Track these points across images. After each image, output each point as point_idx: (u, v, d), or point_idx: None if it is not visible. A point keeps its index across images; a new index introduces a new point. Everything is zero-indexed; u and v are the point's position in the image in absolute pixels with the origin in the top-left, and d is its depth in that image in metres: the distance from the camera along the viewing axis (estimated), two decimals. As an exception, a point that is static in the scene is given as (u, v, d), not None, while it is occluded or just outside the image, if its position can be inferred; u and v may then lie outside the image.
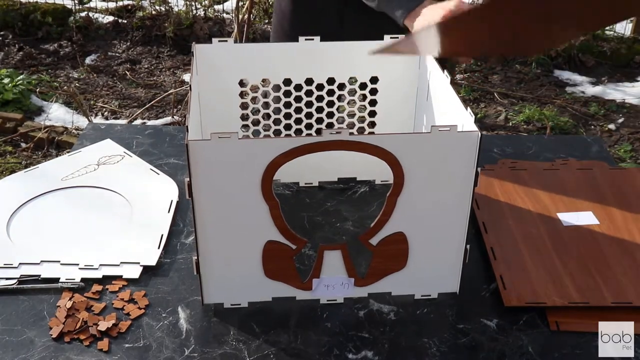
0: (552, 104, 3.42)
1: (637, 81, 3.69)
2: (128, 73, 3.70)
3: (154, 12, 4.14)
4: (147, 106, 3.29)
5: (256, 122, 1.35)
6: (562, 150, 1.53)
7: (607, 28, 3.93)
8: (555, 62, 3.79)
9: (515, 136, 1.94)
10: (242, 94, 1.32)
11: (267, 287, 1.10)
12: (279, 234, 1.05)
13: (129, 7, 4.28)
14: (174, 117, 3.21)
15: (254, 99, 1.32)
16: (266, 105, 1.34)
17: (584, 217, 1.29)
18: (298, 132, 1.36)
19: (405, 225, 1.06)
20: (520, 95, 3.48)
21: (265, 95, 1.33)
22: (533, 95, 3.50)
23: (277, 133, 1.36)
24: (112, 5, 4.30)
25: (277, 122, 1.35)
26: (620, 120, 3.31)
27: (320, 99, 1.33)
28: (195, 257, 1.05)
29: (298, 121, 1.35)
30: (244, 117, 1.34)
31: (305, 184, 1.39)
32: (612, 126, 3.26)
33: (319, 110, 1.35)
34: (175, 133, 1.58)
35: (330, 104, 1.35)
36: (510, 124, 3.24)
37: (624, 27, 3.99)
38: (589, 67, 3.78)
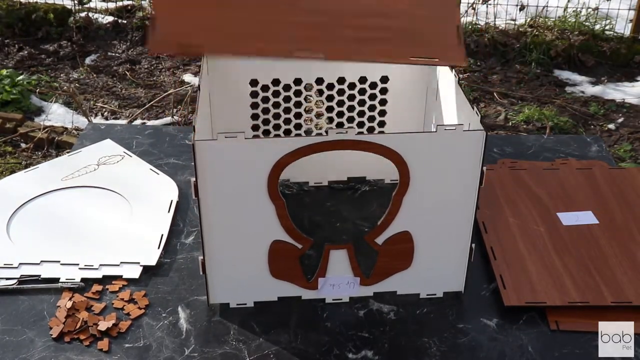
0: (551, 103, 3.42)
1: (637, 81, 3.69)
2: (128, 73, 3.70)
3: (153, 12, 4.14)
4: (146, 106, 3.29)
5: (266, 122, 1.35)
6: (562, 150, 1.53)
7: (607, 28, 3.93)
8: (555, 62, 3.79)
9: (515, 136, 1.94)
10: (253, 94, 1.32)
11: (273, 286, 1.10)
12: (285, 234, 1.05)
13: (129, 7, 4.28)
14: (174, 117, 3.21)
15: (264, 99, 1.32)
16: (277, 105, 1.34)
17: (583, 217, 1.29)
18: (308, 132, 1.37)
19: (410, 225, 1.06)
20: (520, 95, 3.48)
21: (276, 94, 1.33)
22: (533, 95, 3.50)
23: (288, 133, 1.36)
24: (112, 5, 4.30)
25: (287, 121, 1.35)
26: (620, 120, 3.32)
27: (330, 98, 1.33)
28: (202, 257, 1.05)
29: (308, 121, 1.36)
30: (255, 117, 1.34)
31: (315, 183, 1.39)
32: (611, 126, 3.26)
33: (329, 109, 1.35)
34: (175, 133, 1.58)
35: (341, 103, 1.35)
36: (510, 124, 3.24)
37: (624, 27, 3.99)
38: (589, 66, 3.78)
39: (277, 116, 1.34)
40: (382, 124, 1.38)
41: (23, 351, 1.02)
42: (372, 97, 1.35)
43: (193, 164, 0.97)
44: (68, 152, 1.52)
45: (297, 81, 1.30)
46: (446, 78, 1.20)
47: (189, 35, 0.84)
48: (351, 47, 0.87)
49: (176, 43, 0.84)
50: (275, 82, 1.30)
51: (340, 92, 1.34)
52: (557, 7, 4.04)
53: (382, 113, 1.37)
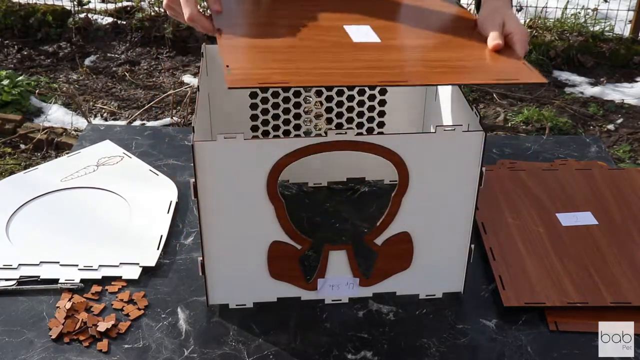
0: (551, 104, 3.42)
1: (636, 82, 3.69)
2: (127, 74, 3.70)
3: (153, 14, 4.14)
4: (146, 107, 3.29)
5: (266, 123, 1.35)
6: (561, 150, 1.54)
7: (606, 29, 3.94)
8: (554, 62, 3.79)
9: (514, 137, 1.94)
10: (252, 95, 1.32)
11: (272, 287, 1.10)
12: (285, 235, 1.05)
13: (128, 8, 4.28)
14: (173, 118, 3.21)
15: (264, 100, 1.32)
16: (276, 105, 1.34)
17: (583, 218, 1.29)
18: (307, 133, 1.37)
19: (410, 225, 1.06)
20: (519, 96, 3.49)
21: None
22: (532, 96, 3.50)
23: (287, 134, 1.36)
24: (111, 6, 4.30)
25: (286, 122, 1.35)
26: (619, 121, 3.32)
27: (329, 99, 1.33)
28: (201, 258, 1.05)
29: (308, 121, 1.36)
30: (254, 118, 1.34)
31: (314, 184, 1.39)
32: (611, 126, 3.26)
33: (329, 110, 1.35)
34: (175, 134, 1.58)
35: (340, 104, 1.35)
36: (509, 125, 3.25)
37: (623, 28, 4.00)
38: (588, 67, 3.78)
39: (276, 117, 1.34)
40: (381, 124, 1.38)
41: (22, 352, 1.02)
42: (371, 97, 1.35)
43: (192, 164, 0.97)
44: (67, 153, 1.52)
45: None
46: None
47: (267, 75, 0.90)
48: (431, 76, 0.92)
49: (256, 80, 0.89)
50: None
51: (340, 93, 1.34)
52: (557, 8, 4.05)
53: (382, 114, 1.37)
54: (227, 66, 0.89)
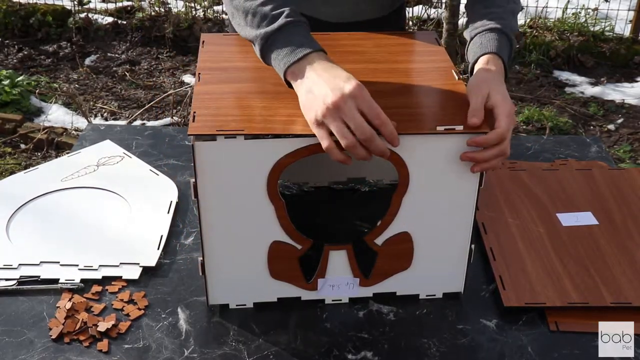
0: (551, 104, 3.42)
1: (636, 81, 3.69)
2: (127, 74, 3.70)
3: (153, 13, 4.14)
4: (146, 107, 3.29)
5: None
6: (562, 150, 1.53)
7: (607, 28, 3.93)
8: (554, 62, 3.79)
9: (515, 137, 1.93)
10: None
11: (272, 287, 1.10)
12: (285, 235, 1.05)
13: (129, 8, 4.28)
14: (174, 118, 3.21)
15: None
16: None
17: (583, 218, 1.29)
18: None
19: (410, 225, 1.06)
20: (519, 96, 3.48)
21: None
22: (532, 96, 3.50)
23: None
24: (111, 6, 4.30)
25: None
26: (619, 121, 3.32)
27: None
28: (201, 258, 1.05)
29: None
30: None
31: (315, 184, 1.39)
32: (611, 126, 3.26)
33: None
34: (175, 134, 1.58)
35: None
36: (510, 125, 3.24)
37: (623, 28, 4.00)
38: (588, 67, 3.78)
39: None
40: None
41: (22, 352, 1.02)
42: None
43: (192, 164, 0.97)
44: (68, 153, 1.52)
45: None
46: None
47: (225, 122, 0.97)
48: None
49: (214, 127, 0.95)
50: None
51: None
52: (557, 7, 4.05)
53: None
54: (194, 113, 0.98)
